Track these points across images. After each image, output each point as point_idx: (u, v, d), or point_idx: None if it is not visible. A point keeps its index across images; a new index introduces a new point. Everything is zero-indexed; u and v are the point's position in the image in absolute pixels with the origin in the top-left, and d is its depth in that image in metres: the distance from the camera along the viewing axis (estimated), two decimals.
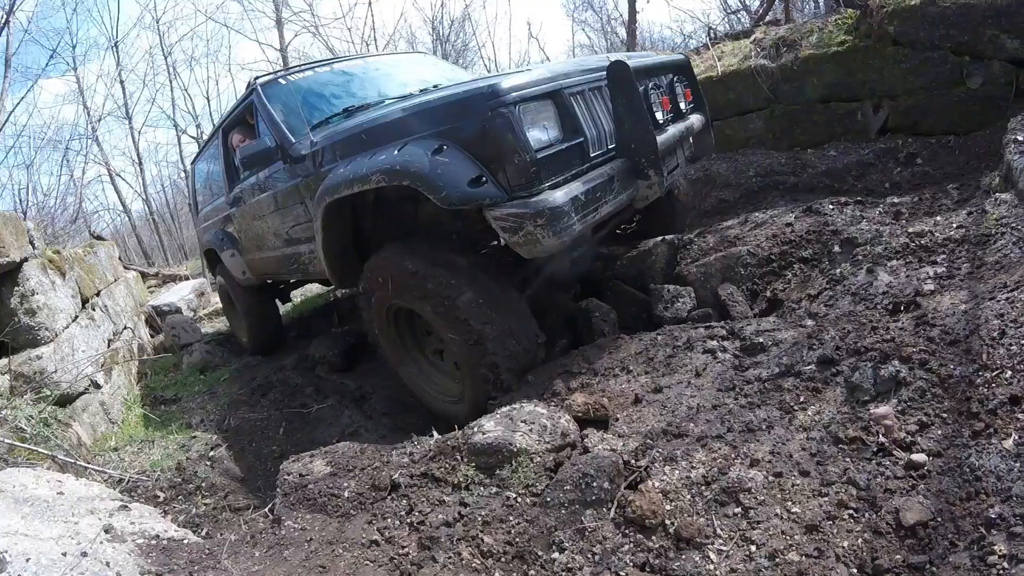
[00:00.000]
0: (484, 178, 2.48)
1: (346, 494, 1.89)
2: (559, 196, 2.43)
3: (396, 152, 2.71)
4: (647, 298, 3.16)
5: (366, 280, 3.18)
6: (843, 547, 1.57)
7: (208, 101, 25.33)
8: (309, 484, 1.93)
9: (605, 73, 2.77)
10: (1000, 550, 1.40)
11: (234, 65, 28.49)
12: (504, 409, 2.14)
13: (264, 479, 3.03)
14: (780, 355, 2.25)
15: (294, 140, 3.65)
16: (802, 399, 2.02)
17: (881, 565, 1.50)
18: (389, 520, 1.80)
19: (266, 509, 2.17)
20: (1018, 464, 1.56)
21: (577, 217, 2.46)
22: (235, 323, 6.20)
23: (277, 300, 5.96)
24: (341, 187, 2.96)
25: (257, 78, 4.25)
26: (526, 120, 2.47)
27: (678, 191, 4.13)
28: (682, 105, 3.34)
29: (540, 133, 2.52)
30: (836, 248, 3.08)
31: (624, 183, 2.73)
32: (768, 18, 7.47)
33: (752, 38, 5.91)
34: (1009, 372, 1.82)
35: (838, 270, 2.86)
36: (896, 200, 3.60)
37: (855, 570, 1.52)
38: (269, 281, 5.23)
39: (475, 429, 2.02)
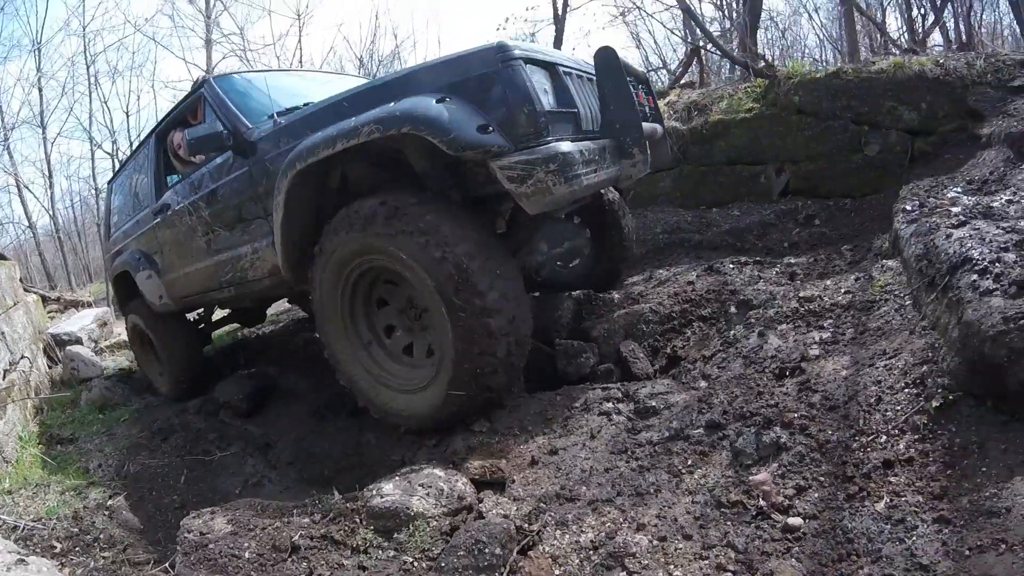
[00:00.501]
0: (491, 127, 2.49)
1: (247, 555, 1.89)
2: (566, 145, 2.48)
3: (393, 104, 2.67)
4: (552, 352, 3.26)
5: (331, 232, 2.95)
6: None
7: (127, 116, 24.59)
8: (209, 544, 1.93)
9: (592, 64, 2.88)
10: None
11: (157, 82, 27.79)
12: (404, 470, 2.19)
13: (164, 531, 2.97)
14: (671, 418, 2.38)
15: (250, 125, 3.49)
16: (690, 463, 2.15)
17: None
18: None
19: (167, 564, 2.14)
20: (888, 526, 1.71)
21: (584, 170, 2.52)
22: (150, 367, 5.56)
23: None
24: (320, 148, 2.81)
25: (206, 74, 4.23)
26: (532, 78, 2.54)
27: (627, 228, 4.23)
28: (647, 109, 3.50)
29: (542, 95, 2.57)
30: (733, 309, 3.26)
31: (612, 158, 2.81)
32: (684, 80, 7.85)
33: (667, 100, 6.22)
34: (884, 437, 1.98)
35: (732, 332, 3.04)
36: (792, 260, 3.83)
37: None
38: (188, 308, 4.89)
39: (374, 492, 2.07)
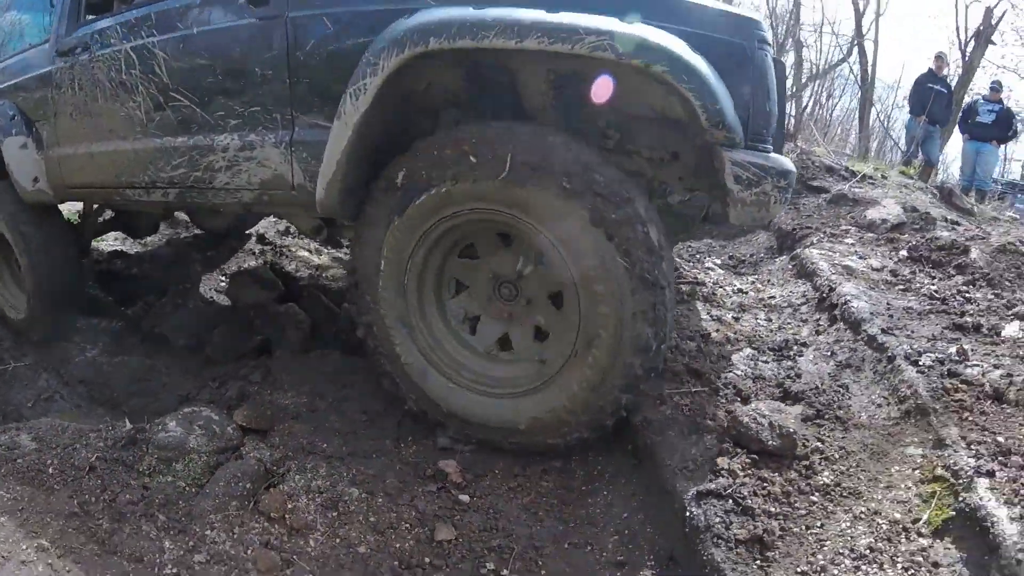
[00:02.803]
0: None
1: (51, 470, 2.56)
2: (788, 161, 2.33)
3: (617, 20, 2.21)
4: (339, 312, 3.99)
5: (435, 163, 2.46)
6: (396, 547, 2.55)
7: None
8: (18, 458, 2.57)
9: None
10: None
11: None
12: (186, 410, 2.87)
13: None
14: None
15: None
16: (409, 438, 2.99)
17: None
18: (87, 496, 2.47)
19: None
20: (525, 514, 2.63)
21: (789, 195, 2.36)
22: None
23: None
24: (474, 29, 2.24)
25: None
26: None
27: None
28: None
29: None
30: None
31: None
32: None
33: None
34: None
35: None
36: None
37: (397, 563, 2.50)
38: (68, 200, 3.97)
39: (160, 427, 2.73)
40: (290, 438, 2.91)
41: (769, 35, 2.41)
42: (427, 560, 2.47)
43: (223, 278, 5.05)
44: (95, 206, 4.34)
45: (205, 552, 2.35)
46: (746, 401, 2.72)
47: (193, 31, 2.91)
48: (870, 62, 22.22)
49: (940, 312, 3.27)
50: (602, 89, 2.30)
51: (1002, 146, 13.17)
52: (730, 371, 2.97)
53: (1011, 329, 3.05)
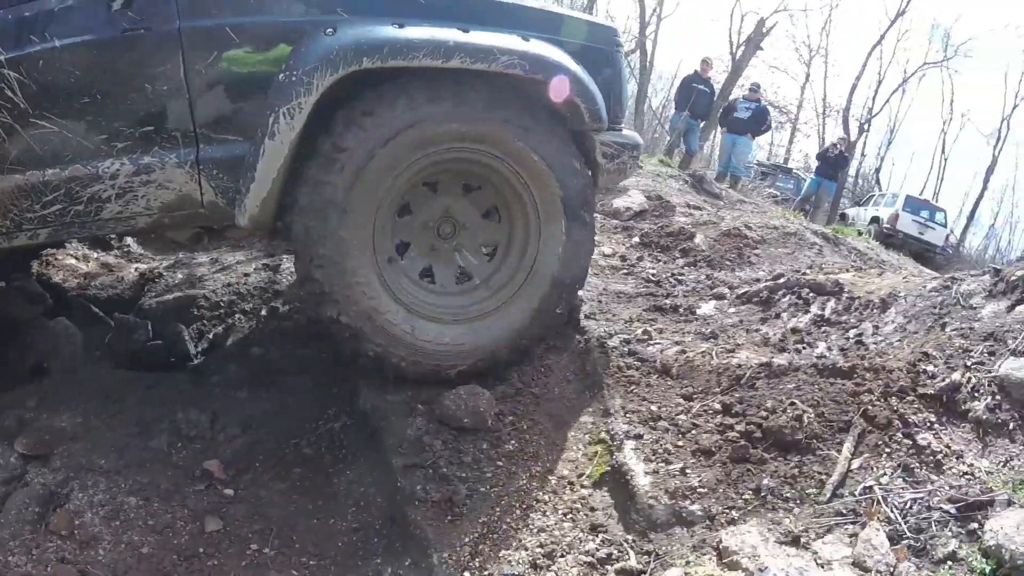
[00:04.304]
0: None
1: None
2: (637, 136, 3.11)
3: (528, 42, 2.85)
4: (111, 324, 4.32)
5: (406, 104, 2.74)
6: (174, 543, 3.11)
7: None
8: None
9: None
10: None
11: None
12: None
13: None
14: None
15: None
16: (185, 453, 3.50)
17: None
18: None
19: None
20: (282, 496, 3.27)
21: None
22: None
23: None
24: (419, 50, 2.64)
25: None
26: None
27: None
28: None
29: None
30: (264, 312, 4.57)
31: None
32: None
33: None
34: None
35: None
36: None
37: (176, 556, 3.08)
38: None
39: None
40: (70, 459, 3.30)
41: (622, 39, 3.18)
42: (201, 550, 3.01)
43: None
44: None
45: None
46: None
47: (55, 44, 2.61)
48: (648, 58, 24.55)
49: (648, 295, 4.02)
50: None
51: (756, 138, 15.27)
52: None
53: (706, 308, 3.86)
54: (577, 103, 2.97)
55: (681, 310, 3.87)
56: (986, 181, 33.78)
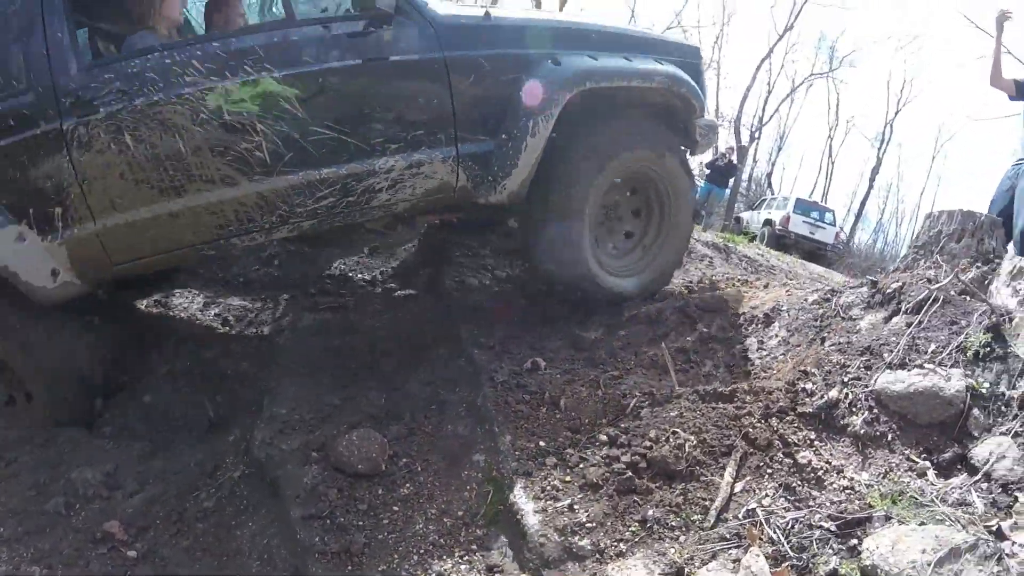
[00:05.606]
0: None
1: None
2: (714, 119, 4.50)
3: (660, 65, 4.02)
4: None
5: (625, 145, 4.00)
6: None
7: None
8: None
9: None
10: None
11: None
12: None
13: None
14: None
15: None
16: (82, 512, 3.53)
17: None
18: None
19: None
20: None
21: None
22: None
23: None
24: (614, 76, 3.86)
25: None
26: None
27: None
28: None
29: None
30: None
31: None
32: None
33: None
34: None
35: None
36: None
37: None
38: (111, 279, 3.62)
39: None
40: None
41: (704, 53, 4.73)
42: None
43: None
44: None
45: None
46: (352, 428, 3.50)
47: (333, 65, 3.34)
48: None
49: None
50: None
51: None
52: None
53: (594, 332, 4.00)
54: (692, 102, 4.13)
55: (571, 335, 4.03)
56: (872, 180, 36.54)
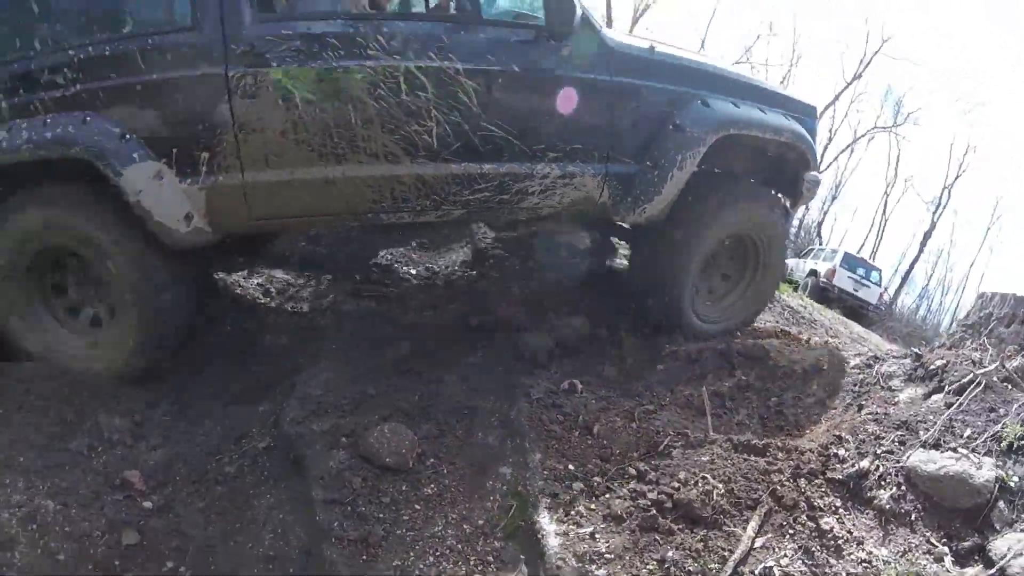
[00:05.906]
0: None
1: None
2: (820, 175, 4.53)
3: (785, 119, 4.26)
4: None
5: (737, 195, 4.22)
6: (90, 553, 3.20)
7: None
8: None
9: None
10: None
11: None
12: None
13: None
14: None
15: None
16: (104, 457, 3.58)
17: None
18: None
19: None
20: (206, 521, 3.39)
21: None
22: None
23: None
24: (751, 126, 4.05)
25: None
26: None
27: None
28: None
29: None
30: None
31: None
32: None
33: None
34: None
35: None
36: None
37: (92, 567, 3.18)
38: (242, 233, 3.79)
39: None
40: None
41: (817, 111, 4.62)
42: (117, 563, 3.10)
43: None
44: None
45: None
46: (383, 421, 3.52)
47: (513, 68, 3.49)
48: None
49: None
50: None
51: None
52: None
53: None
54: (808, 158, 4.35)
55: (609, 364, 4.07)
56: (923, 244, 35.59)
